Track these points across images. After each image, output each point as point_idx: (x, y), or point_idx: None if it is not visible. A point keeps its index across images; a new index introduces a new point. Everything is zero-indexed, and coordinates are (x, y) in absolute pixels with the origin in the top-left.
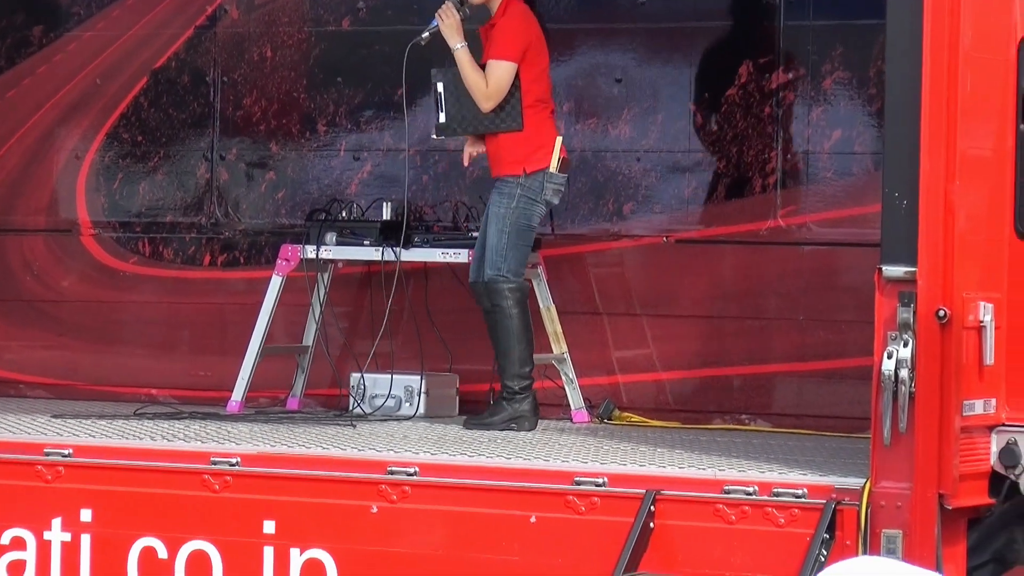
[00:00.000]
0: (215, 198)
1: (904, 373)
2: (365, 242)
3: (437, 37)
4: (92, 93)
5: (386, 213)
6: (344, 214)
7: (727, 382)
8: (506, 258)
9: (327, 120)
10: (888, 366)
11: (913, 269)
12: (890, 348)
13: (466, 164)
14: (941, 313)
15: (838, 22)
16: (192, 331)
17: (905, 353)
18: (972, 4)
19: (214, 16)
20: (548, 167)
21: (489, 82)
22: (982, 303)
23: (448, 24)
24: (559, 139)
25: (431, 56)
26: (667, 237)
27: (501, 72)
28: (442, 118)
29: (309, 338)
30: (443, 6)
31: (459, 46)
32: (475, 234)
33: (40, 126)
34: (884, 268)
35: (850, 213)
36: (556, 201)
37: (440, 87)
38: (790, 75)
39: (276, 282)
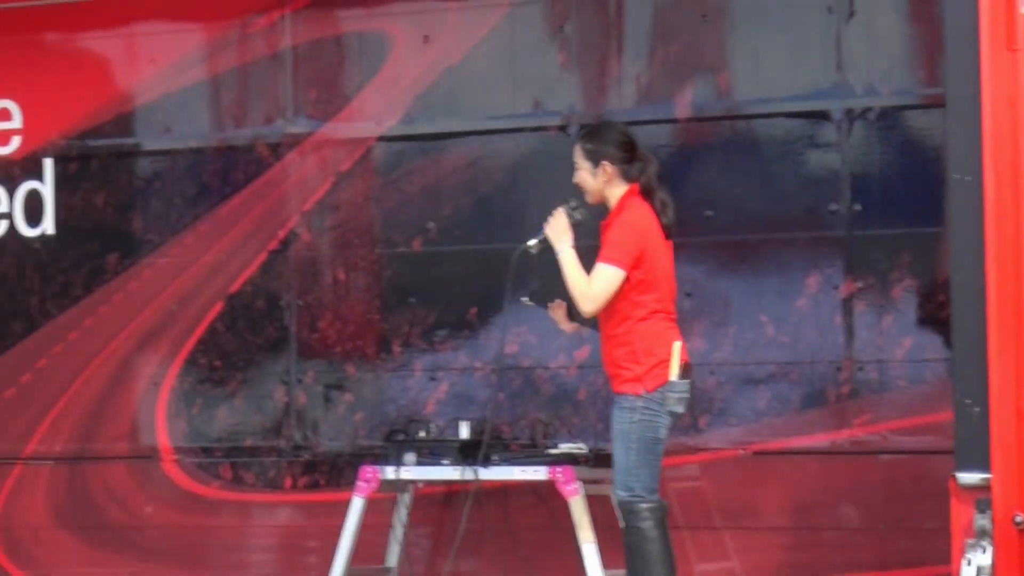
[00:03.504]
0: (294, 421)
1: None
2: (444, 461)
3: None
4: (168, 320)
5: (464, 432)
6: (422, 434)
7: None
8: (638, 476)
9: (402, 341)
10: (967, 573)
11: (988, 476)
12: (968, 555)
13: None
14: (1018, 519)
15: (905, 231)
16: (275, 555)
17: (984, 560)
18: None
19: (286, 240)
20: (667, 380)
21: (593, 284)
22: None
23: (556, 226)
24: (677, 344)
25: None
26: (744, 449)
27: (607, 277)
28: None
29: (392, 559)
30: (555, 212)
31: (566, 248)
32: (554, 451)
33: (118, 354)
34: (959, 475)
35: (924, 421)
36: (681, 410)
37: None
38: (859, 284)
39: (357, 503)
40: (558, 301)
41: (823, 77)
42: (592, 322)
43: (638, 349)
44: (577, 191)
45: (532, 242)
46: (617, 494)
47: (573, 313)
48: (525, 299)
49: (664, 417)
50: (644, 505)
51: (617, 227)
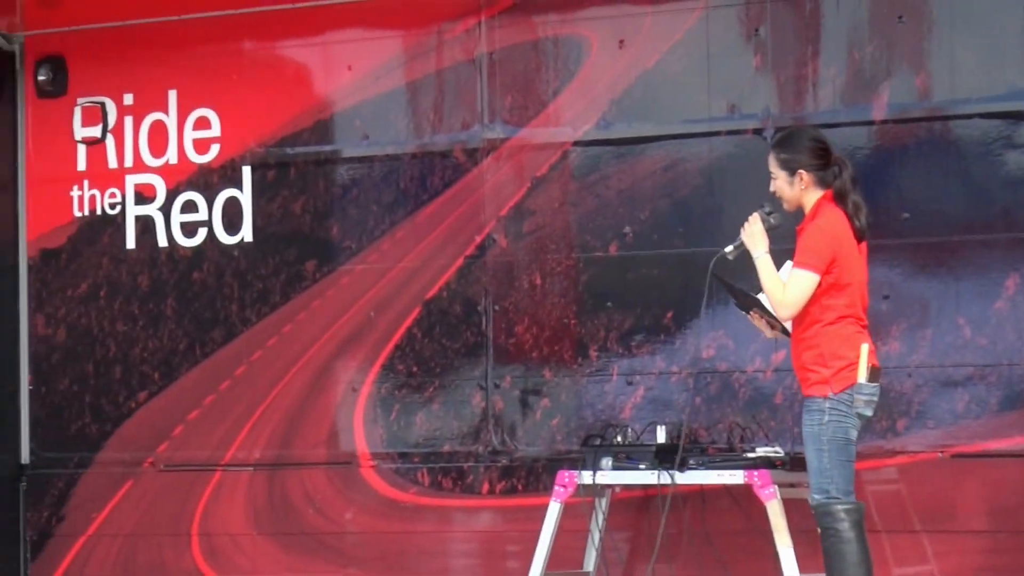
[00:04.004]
0: (491, 426)
1: None
2: (641, 466)
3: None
4: (366, 325)
5: (661, 436)
6: (619, 439)
7: None
8: (831, 478)
9: (598, 345)
10: None
11: None
12: None
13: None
14: None
15: None
16: (473, 560)
17: None
18: None
19: (483, 245)
20: (855, 383)
21: (788, 289)
22: None
23: (752, 232)
24: (865, 347)
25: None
26: (942, 452)
27: (802, 282)
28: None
29: (589, 564)
30: (751, 217)
31: (762, 253)
32: (750, 455)
33: (316, 360)
34: None
35: None
36: (870, 413)
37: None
38: None
39: (555, 508)
40: (755, 311)
41: (1021, 77)
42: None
43: (825, 352)
44: (772, 196)
45: (729, 248)
46: (812, 497)
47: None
48: (728, 251)
49: (852, 419)
50: (840, 507)
51: (810, 232)
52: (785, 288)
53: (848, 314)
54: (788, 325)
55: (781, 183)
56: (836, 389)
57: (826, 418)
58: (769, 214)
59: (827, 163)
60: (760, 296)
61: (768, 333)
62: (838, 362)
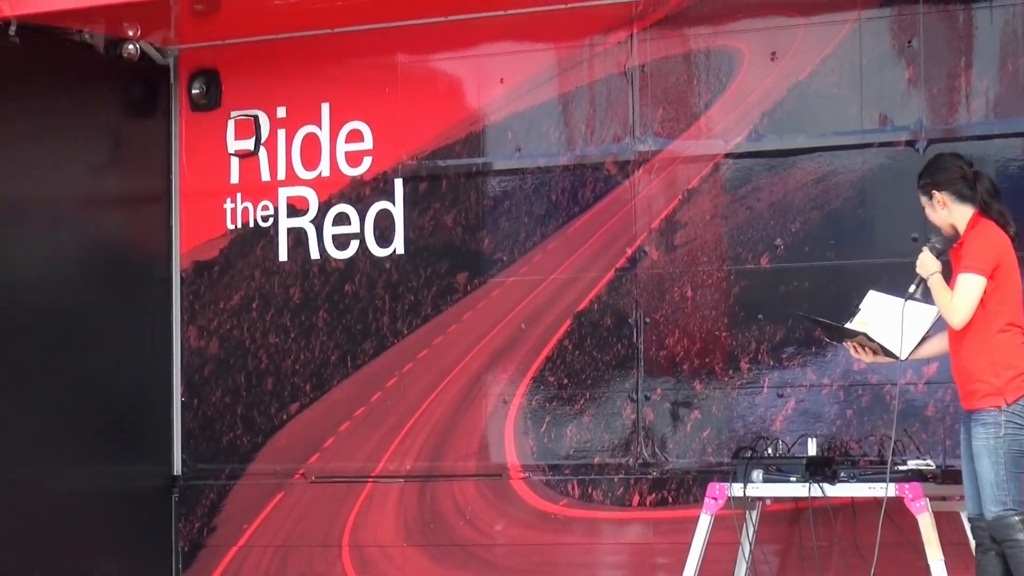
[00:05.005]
0: (642, 438)
1: None
2: (791, 478)
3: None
4: (517, 338)
5: (811, 449)
6: (769, 451)
7: None
8: (1008, 490)
9: (749, 357)
10: None
11: None
12: None
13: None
14: None
15: None
16: (623, 572)
17: None
18: None
19: (634, 258)
20: None
21: (957, 294)
22: None
23: (924, 263)
24: None
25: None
26: None
27: (969, 285)
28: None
29: None
30: (920, 258)
31: (935, 276)
32: (901, 468)
33: (467, 372)
34: None
35: None
36: None
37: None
38: None
39: (705, 521)
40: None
41: None
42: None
43: (997, 361)
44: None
45: (912, 288)
46: (989, 510)
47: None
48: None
49: None
50: (1018, 518)
51: (971, 238)
52: (953, 295)
53: (1014, 322)
54: (903, 348)
55: (928, 211)
56: (1010, 399)
57: (1002, 431)
58: (936, 245)
59: (967, 182)
60: (854, 324)
61: (867, 359)
62: (1010, 372)
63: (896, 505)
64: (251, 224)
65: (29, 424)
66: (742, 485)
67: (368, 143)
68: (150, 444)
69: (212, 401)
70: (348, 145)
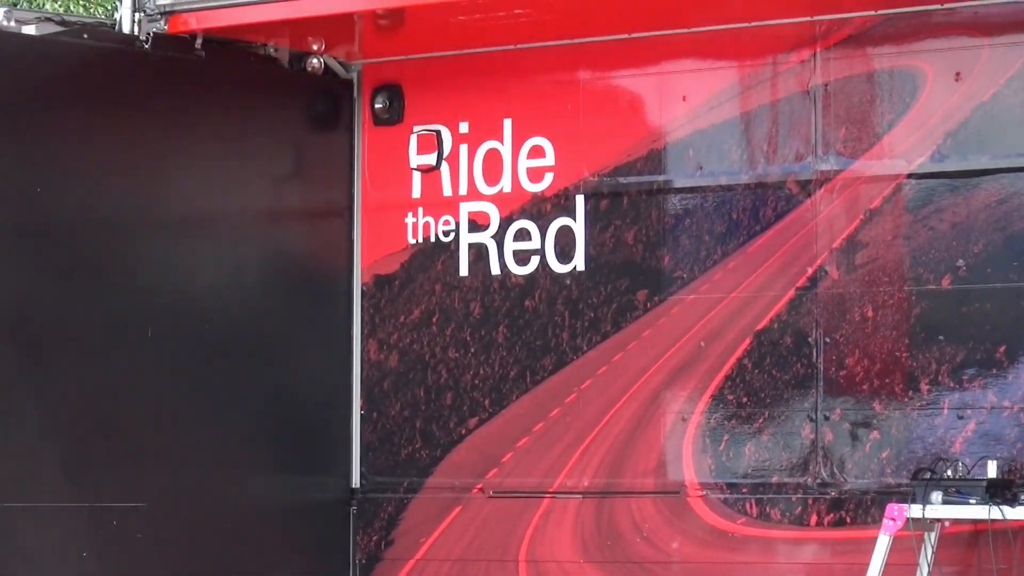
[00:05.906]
0: (820, 458)
1: None
2: (971, 500)
3: None
4: (696, 355)
5: (991, 471)
6: (949, 473)
7: None
8: None
9: (930, 379)
10: None
11: None
12: None
13: None
14: None
15: None
16: None
17: None
18: None
19: (815, 277)
20: None
21: None
22: None
23: None
24: None
25: None
26: None
27: None
28: None
29: None
30: None
31: None
32: None
33: (646, 389)
34: None
35: None
36: None
37: None
38: None
39: (883, 541)
40: None
41: None
42: None
43: None
44: None
45: None
46: None
47: None
48: None
49: None
50: None
51: None
52: None
53: None
54: None
55: None
56: None
57: None
58: None
59: None
60: None
61: None
62: None
63: None
64: (432, 239)
65: (213, 435)
66: (921, 506)
67: (550, 159)
68: (329, 457)
69: (391, 414)
70: (530, 161)
